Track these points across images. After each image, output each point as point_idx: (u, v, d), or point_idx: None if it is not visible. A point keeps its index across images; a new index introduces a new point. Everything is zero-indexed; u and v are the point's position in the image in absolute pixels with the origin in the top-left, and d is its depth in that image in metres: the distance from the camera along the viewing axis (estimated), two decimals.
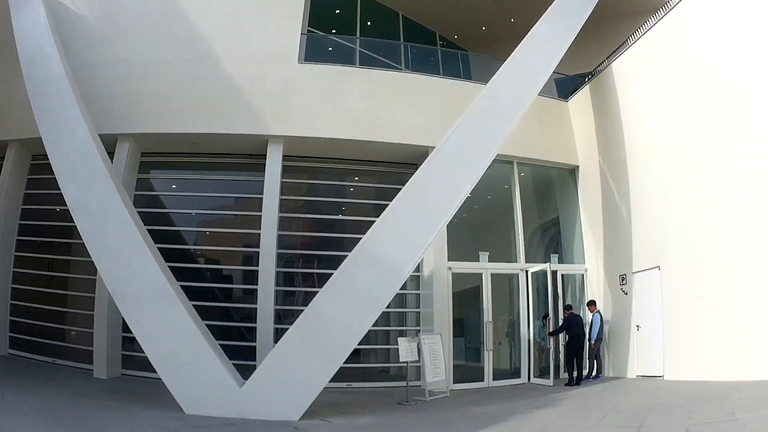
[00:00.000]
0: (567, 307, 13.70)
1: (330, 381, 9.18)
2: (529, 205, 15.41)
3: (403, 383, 11.36)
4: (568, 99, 15.93)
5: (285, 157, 13.63)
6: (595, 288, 14.51)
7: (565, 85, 16.76)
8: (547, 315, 13.72)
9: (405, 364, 11.74)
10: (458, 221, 15.08)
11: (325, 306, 9.50)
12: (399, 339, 11.72)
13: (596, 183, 14.60)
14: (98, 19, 13.56)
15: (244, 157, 14.31)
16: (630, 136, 13.29)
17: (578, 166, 15.48)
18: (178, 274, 10.84)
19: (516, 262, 14.86)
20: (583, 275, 15.26)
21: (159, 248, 10.25)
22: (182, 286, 10.09)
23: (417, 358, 11.89)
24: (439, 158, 10.60)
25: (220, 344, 10.00)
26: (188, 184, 14.49)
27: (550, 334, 13.58)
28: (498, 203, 15.62)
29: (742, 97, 10.08)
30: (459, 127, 10.71)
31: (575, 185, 15.67)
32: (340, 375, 9.88)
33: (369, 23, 17.84)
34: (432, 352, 12.17)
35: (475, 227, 16.16)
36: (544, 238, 16.44)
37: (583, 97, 15.32)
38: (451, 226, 12.62)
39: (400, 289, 10.34)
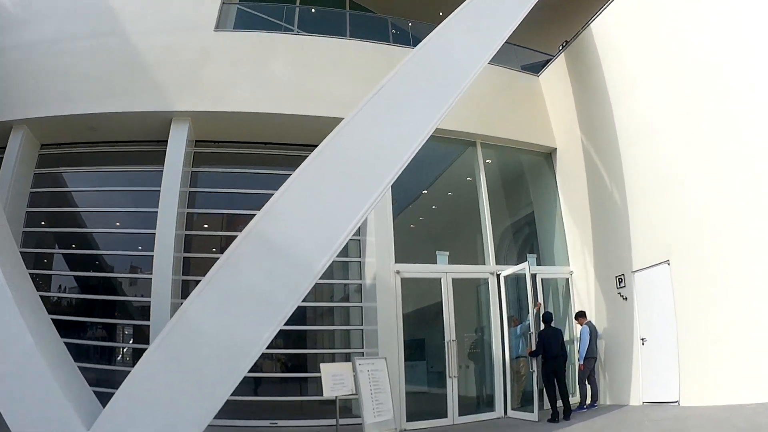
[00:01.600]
0: (545, 318, 10.68)
1: (248, 418, 8.50)
2: (498, 198, 12.95)
3: (353, 420, 9.05)
4: (539, 73, 13.68)
5: (197, 143, 11.73)
6: (584, 294, 12.10)
7: (535, 67, 14.30)
8: (514, 317, 11.45)
9: (335, 400, 8.58)
10: (410, 220, 12.82)
11: (198, 316, 6.76)
12: (322, 366, 8.55)
13: (579, 168, 12.29)
14: (14, 4, 12.01)
15: (147, 144, 11.72)
16: (620, 110, 11.06)
17: (555, 149, 13.17)
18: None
19: (484, 264, 11.79)
20: (567, 279, 12.58)
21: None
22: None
23: (352, 391, 8.72)
24: (374, 108, 7.79)
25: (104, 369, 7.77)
26: (88, 178, 12.20)
27: (532, 354, 10.51)
28: (460, 197, 13.31)
29: None
30: (403, 68, 7.97)
31: (552, 173, 13.31)
32: (262, 409, 9.23)
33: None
34: (373, 382, 9.07)
35: (432, 226, 13.59)
36: (516, 238, 13.76)
37: (557, 68, 13.11)
38: (402, 225, 10.62)
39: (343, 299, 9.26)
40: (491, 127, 12.44)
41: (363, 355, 10.71)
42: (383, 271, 10.90)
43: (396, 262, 11.04)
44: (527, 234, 13.69)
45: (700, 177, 9.02)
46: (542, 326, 10.60)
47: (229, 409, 8.74)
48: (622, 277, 10.74)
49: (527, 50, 13.99)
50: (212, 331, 6.67)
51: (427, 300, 11.92)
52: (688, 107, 9.35)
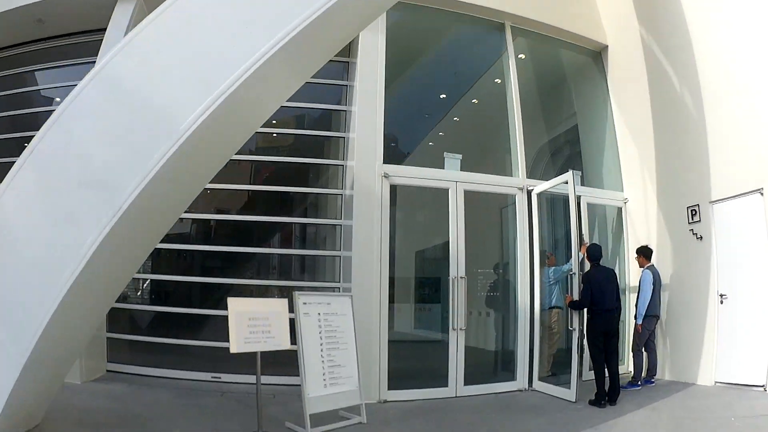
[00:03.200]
0: (592, 253, 7.40)
1: (189, 368, 7.46)
2: (533, 105, 9.66)
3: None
4: None
5: None
6: (642, 230, 9.03)
7: None
8: (549, 253, 8.58)
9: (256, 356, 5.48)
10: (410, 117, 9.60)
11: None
12: (230, 303, 5.35)
13: (638, 71, 9.20)
14: None
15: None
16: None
17: (606, 47, 10.05)
18: None
19: (511, 176, 8.40)
20: (620, 209, 9.40)
21: None
22: None
23: (281, 345, 5.54)
24: None
25: None
26: (45, 77, 9.52)
27: (572, 305, 7.22)
28: (484, 100, 10.01)
29: None
30: None
31: (603, 76, 10.09)
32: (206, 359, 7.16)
33: None
34: (326, 332, 5.96)
35: (444, 132, 10.21)
36: (555, 156, 10.43)
37: None
38: (395, 116, 8.03)
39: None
40: (524, 5, 9.20)
41: (339, 291, 7.44)
42: (365, 174, 7.67)
43: (385, 162, 7.61)
44: (569, 152, 10.41)
45: None
46: (586, 266, 7.44)
47: (167, 359, 7.85)
48: (696, 209, 7.95)
49: None
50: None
51: (431, 223, 8.83)
52: None
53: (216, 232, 8.73)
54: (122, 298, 7.89)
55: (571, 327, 7.31)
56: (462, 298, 7.65)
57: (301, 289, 6.70)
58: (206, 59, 4.43)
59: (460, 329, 7.58)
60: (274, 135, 9.07)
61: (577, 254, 7.38)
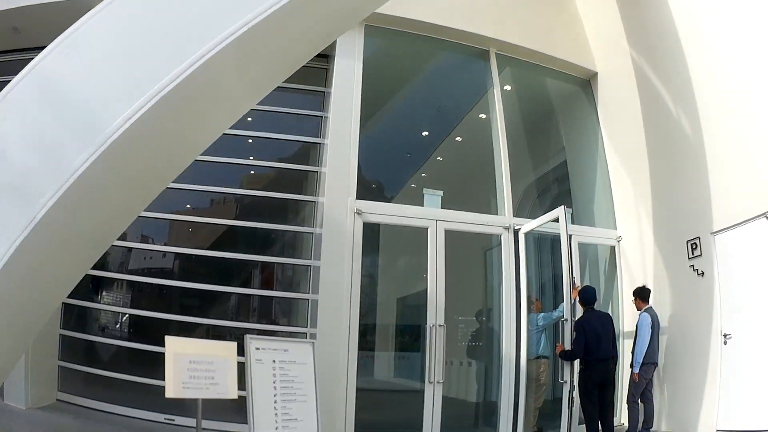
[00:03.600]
0: (585, 297, 6.82)
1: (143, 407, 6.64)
2: (518, 141, 9.03)
3: None
4: None
5: None
6: (638, 269, 8.25)
7: None
8: (535, 299, 7.90)
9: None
10: (391, 157, 9.13)
11: None
12: (168, 342, 4.64)
13: (629, 99, 8.52)
14: None
15: None
16: (687, 12, 7.58)
17: (596, 74, 9.38)
18: None
19: (497, 214, 7.77)
20: (613, 248, 8.64)
21: None
22: None
23: (227, 393, 4.81)
24: None
25: None
26: None
27: (564, 355, 6.53)
28: (468, 136, 9.48)
29: None
30: None
31: (593, 107, 9.44)
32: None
33: None
34: (282, 381, 5.18)
35: (426, 173, 9.70)
36: (543, 195, 9.81)
37: None
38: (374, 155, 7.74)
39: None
40: (510, 32, 8.67)
41: (308, 338, 6.71)
42: (336, 211, 7.03)
43: (359, 198, 7.00)
44: (558, 190, 9.78)
45: None
46: (578, 312, 6.81)
47: (122, 395, 7.20)
48: (697, 242, 7.18)
49: None
50: None
51: (412, 267, 8.18)
52: None
53: (179, 267, 8.00)
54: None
55: (562, 380, 6.58)
56: (440, 348, 6.94)
57: (264, 333, 5.99)
58: (140, 57, 3.84)
59: (437, 382, 6.81)
60: (251, 171, 8.43)
61: (569, 298, 6.69)
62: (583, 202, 9.13)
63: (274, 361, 5.26)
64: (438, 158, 9.67)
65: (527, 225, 7.62)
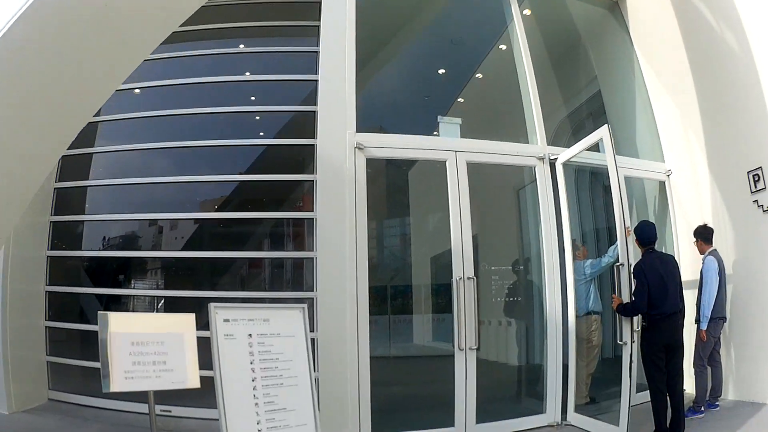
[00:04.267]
0: (645, 234, 5.43)
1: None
2: (543, 75, 7.30)
3: None
4: None
5: None
6: (692, 207, 7.02)
7: None
8: (579, 244, 6.53)
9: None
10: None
11: None
12: (110, 319, 3.50)
13: (666, 19, 7.23)
14: None
15: None
16: None
17: None
18: None
19: (527, 143, 6.50)
20: (663, 183, 7.32)
21: None
22: None
23: (186, 380, 3.67)
24: None
25: None
26: None
27: (623, 310, 5.24)
28: (489, 71, 8.15)
29: None
30: None
31: (625, 30, 8.04)
32: None
33: None
34: (262, 361, 3.96)
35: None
36: (577, 132, 8.07)
37: None
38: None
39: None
40: None
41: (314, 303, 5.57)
42: (332, 150, 5.74)
43: (359, 131, 5.75)
44: (593, 125, 8.09)
45: None
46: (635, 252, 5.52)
47: None
48: (760, 173, 6.07)
49: None
50: None
51: (437, 217, 6.68)
52: None
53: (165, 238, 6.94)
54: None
55: (621, 341, 5.27)
56: (471, 306, 5.68)
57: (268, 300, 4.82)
58: None
59: (470, 349, 5.58)
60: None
61: (624, 240, 5.33)
62: (624, 136, 7.70)
63: (250, 335, 4.10)
64: (459, 99, 8.31)
65: (565, 153, 6.27)
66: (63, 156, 6.06)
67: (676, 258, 6.18)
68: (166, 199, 6.91)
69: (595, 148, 5.97)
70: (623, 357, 5.26)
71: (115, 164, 7.15)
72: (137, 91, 7.23)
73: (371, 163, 5.83)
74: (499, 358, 6.96)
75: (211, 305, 4.00)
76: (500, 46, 7.67)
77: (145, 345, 3.75)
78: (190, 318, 4.07)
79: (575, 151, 6.06)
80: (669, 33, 7.16)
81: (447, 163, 5.95)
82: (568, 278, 6.14)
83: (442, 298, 6.61)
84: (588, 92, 8.44)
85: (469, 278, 5.77)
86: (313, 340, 5.08)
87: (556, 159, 6.33)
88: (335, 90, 5.89)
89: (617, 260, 5.49)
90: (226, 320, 4.03)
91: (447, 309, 6.00)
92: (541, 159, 6.31)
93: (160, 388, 3.80)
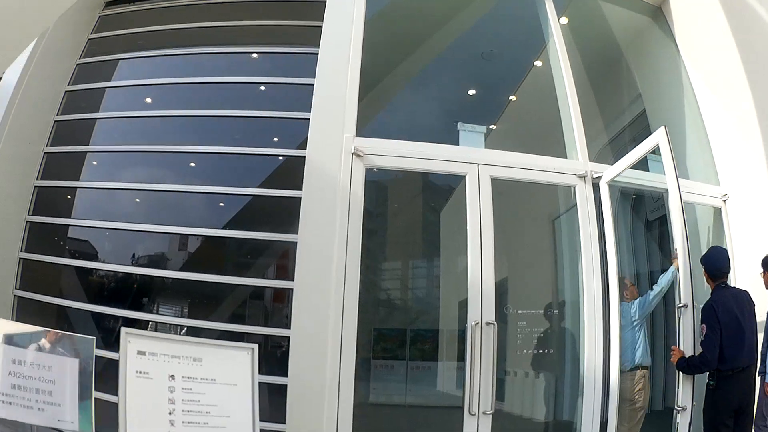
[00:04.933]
0: (715, 264, 4.33)
1: None
2: (582, 97, 6.12)
3: None
4: None
5: None
6: (751, 235, 5.65)
7: None
8: (627, 280, 5.38)
9: None
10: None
11: None
12: None
13: (716, 23, 6.04)
14: None
15: None
16: None
17: None
18: None
19: (566, 158, 5.41)
20: (719, 209, 6.01)
21: None
22: None
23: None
24: None
25: None
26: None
27: (685, 366, 4.08)
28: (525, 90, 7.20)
29: None
30: None
31: (670, 38, 6.87)
32: None
33: None
34: (186, 420, 2.82)
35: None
36: (619, 148, 6.82)
37: None
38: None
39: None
40: None
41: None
42: (323, 155, 4.68)
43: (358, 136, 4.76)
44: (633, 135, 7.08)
45: None
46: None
47: None
48: None
49: None
50: None
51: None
52: None
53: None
54: None
55: (679, 405, 4.03)
56: (489, 359, 4.50)
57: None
58: None
59: (484, 414, 4.38)
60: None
61: (687, 265, 4.14)
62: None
63: (172, 376, 3.02)
64: (491, 126, 7.31)
65: (611, 170, 5.13)
66: None
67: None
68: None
69: (641, 166, 4.88)
70: (680, 426, 4.01)
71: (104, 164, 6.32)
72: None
73: (396, 195, 4.83)
74: (522, 421, 5.71)
75: (124, 330, 2.97)
76: (536, 63, 6.79)
77: (29, 367, 2.74)
78: (86, 342, 3.03)
79: (625, 164, 4.92)
80: (720, 38, 6.04)
81: (467, 178, 4.88)
82: (612, 323, 4.91)
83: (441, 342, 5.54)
84: (631, 112, 7.33)
85: (488, 323, 4.61)
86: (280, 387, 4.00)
87: (599, 178, 5.18)
88: (333, 84, 4.98)
89: (672, 287, 4.31)
90: (141, 353, 2.98)
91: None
92: (583, 177, 5.17)
93: (43, 424, 2.77)
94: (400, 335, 6.25)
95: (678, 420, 4.09)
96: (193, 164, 6.11)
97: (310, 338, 4.35)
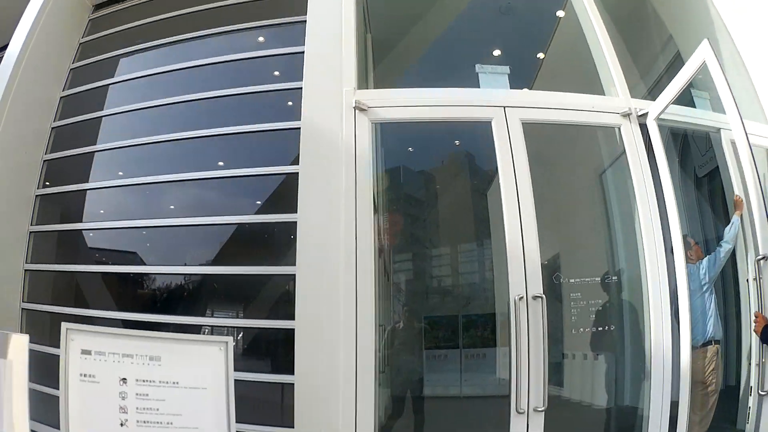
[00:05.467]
0: None
1: None
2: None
3: None
4: None
5: None
6: None
7: None
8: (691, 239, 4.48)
9: None
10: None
11: None
12: None
13: None
14: None
15: None
16: None
17: None
18: None
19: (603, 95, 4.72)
20: None
21: None
22: None
23: None
24: None
25: None
26: None
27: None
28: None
29: None
30: None
31: None
32: None
33: None
34: (140, 429, 2.22)
35: None
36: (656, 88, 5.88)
37: None
38: None
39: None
40: None
41: None
42: (322, 110, 4.05)
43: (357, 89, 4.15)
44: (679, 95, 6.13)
45: None
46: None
47: None
48: None
49: None
50: None
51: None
52: None
53: None
54: None
55: (764, 390, 3.25)
56: (539, 341, 3.78)
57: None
58: None
59: (535, 410, 3.66)
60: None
61: (764, 209, 3.36)
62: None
63: (123, 380, 2.44)
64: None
65: (657, 104, 4.34)
66: None
67: None
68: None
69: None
70: (763, 413, 3.23)
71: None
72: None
73: (441, 180, 4.18)
74: (581, 408, 4.96)
75: (65, 325, 2.40)
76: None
77: None
78: (21, 340, 2.46)
79: (672, 93, 4.14)
80: None
81: (493, 124, 4.16)
82: (680, 290, 4.10)
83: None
84: (665, 57, 6.39)
85: (535, 297, 3.87)
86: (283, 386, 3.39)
87: (645, 116, 4.38)
88: (326, 30, 4.35)
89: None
90: (86, 352, 2.42)
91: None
92: (627, 116, 4.37)
93: None
94: (451, 321, 5.87)
95: (762, 406, 3.30)
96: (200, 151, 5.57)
97: (319, 331, 3.72)
